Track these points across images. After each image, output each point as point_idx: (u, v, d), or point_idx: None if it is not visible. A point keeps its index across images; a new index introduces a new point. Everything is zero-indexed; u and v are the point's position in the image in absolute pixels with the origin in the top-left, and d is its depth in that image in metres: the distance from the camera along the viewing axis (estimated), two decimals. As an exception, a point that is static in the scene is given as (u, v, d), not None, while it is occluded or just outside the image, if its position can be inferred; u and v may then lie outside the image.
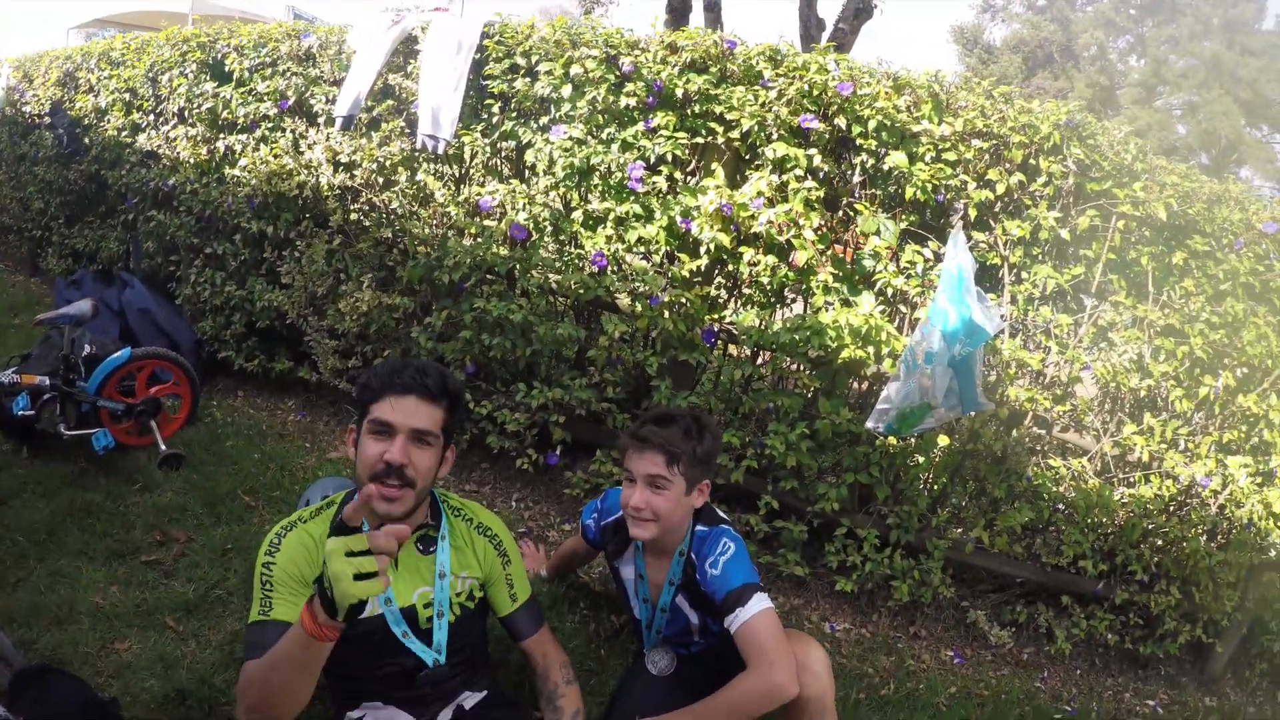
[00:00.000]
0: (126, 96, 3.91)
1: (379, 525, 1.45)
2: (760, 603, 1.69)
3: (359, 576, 1.07)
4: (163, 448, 2.90)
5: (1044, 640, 2.79)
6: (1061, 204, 2.49)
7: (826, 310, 2.37)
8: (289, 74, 3.12)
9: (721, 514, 1.93)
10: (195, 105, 3.44)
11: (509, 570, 1.68)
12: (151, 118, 3.77)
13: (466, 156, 2.79)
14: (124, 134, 3.90)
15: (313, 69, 3.08)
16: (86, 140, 4.21)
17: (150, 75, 3.73)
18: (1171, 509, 2.67)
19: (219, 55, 3.40)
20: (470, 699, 1.63)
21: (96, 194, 4.32)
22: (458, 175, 2.83)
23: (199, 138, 3.45)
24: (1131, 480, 2.73)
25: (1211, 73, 13.64)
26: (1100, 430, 2.73)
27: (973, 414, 2.59)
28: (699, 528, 1.86)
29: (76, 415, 2.88)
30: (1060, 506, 2.75)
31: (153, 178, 3.68)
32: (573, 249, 2.69)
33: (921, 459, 2.71)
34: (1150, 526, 2.66)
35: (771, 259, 2.38)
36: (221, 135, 3.39)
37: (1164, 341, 2.55)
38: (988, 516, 2.68)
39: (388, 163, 2.75)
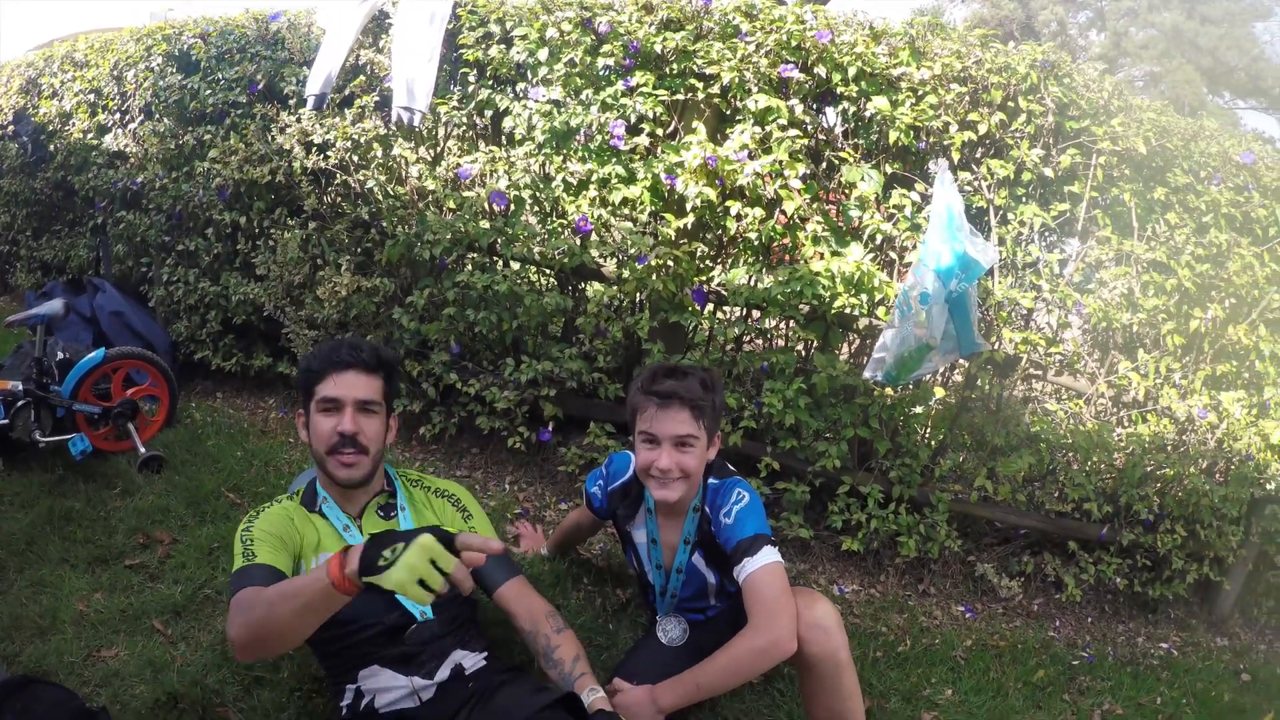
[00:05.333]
0: (91, 98, 3.82)
1: (343, 490, 1.58)
2: (768, 555, 1.65)
3: (422, 582, 1.10)
4: (142, 450, 2.82)
5: (1053, 590, 2.79)
6: (1043, 143, 2.50)
7: (817, 262, 2.34)
8: (257, 58, 3.05)
9: (730, 467, 1.89)
10: (162, 99, 3.36)
11: (471, 524, 1.70)
12: (118, 116, 3.68)
13: (441, 135, 2.74)
14: (90, 136, 3.80)
15: (281, 51, 3.02)
16: (51, 147, 4.10)
17: (115, 73, 3.65)
18: (1170, 447, 2.69)
19: (185, 46, 3.33)
20: (469, 659, 1.58)
21: (64, 201, 4.21)
22: (436, 149, 2.77)
23: (166, 132, 3.37)
24: (1128, 420, 2.73)
25: (1172, 42, 13.88)
26: (1097, 371, 2.74)
27: (965, 361, 2.59)
28: (711, 480, 1.82)
29: (52, 421, 2.79)
30: (1058, 453, 2.74)
31: (120, 178, 3.59)
32: (555, 219, 2.64)
33: (919, 410, 2.69)
34: (1150, 466, 2.67)
35: (759, 211, 2.35)
36: (190, 128, 3.32)
37: (1152, 276, 2.56)
38: (989, 466, 2.67)
39: (361, 139, 2.69)
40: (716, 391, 1.75)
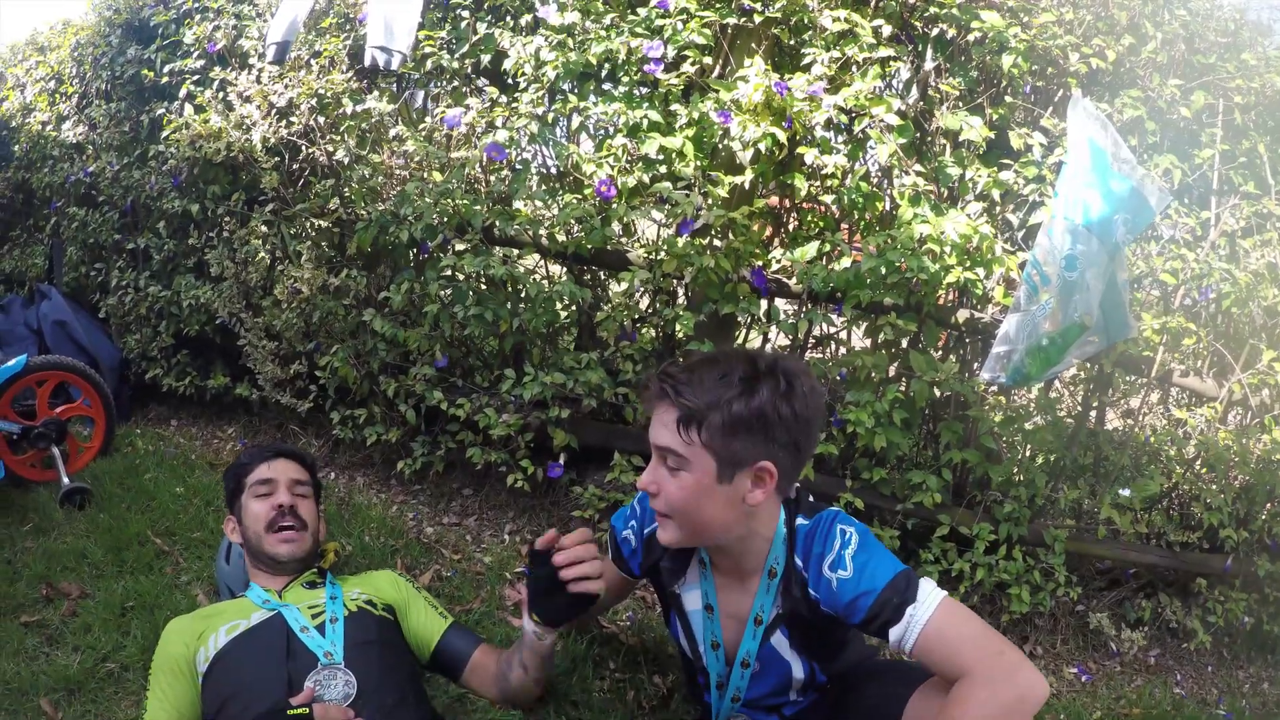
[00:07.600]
0: (52, 84, 3.43)
1: (281, 566, 1.55)
2: (931, 594, 1.11)
3: None
4: (65, 481, 2.37)
5: (1168, 637, 2.30)
6: (1178, 74, 2.02)
7: (919, 226, 1.77)
8: (220, 14, 2.61)
9: (815, 501, 1.30)
10: (120, 74, 2.93)
11: (423, 593, 1.61)
12: (74, 102, 3.27)
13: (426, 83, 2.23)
14: (49, 128, 3.40)
15: (245, 4, 2.58)
16: (15, 146, 3.70)
17: (75, 55, 3.26)
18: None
19: (147, 16, 2.91)
20: None
21: (24, 204, 3.79)
22: (420, 104, 2.27)
23: (120, 113, 2.93)
24: (1256, 425, 2.17)
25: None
26: (1232, 366, 2.16)
27: (1088, 360, 2.00)
28: (800, 521, 1.23)
29: (-31, 443, 2.37)
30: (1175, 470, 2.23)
31: (75, 171, 3.15)
32: (565, 190, 2.10)
33: (1030, 426, 2.12)
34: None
35: (841, 160, 1.80)
36: (148, 107, 2.88)
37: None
38: (1112, 493, 2.13)
39: (328, 94, 2.19)
40: (753, 395, 1.12)
